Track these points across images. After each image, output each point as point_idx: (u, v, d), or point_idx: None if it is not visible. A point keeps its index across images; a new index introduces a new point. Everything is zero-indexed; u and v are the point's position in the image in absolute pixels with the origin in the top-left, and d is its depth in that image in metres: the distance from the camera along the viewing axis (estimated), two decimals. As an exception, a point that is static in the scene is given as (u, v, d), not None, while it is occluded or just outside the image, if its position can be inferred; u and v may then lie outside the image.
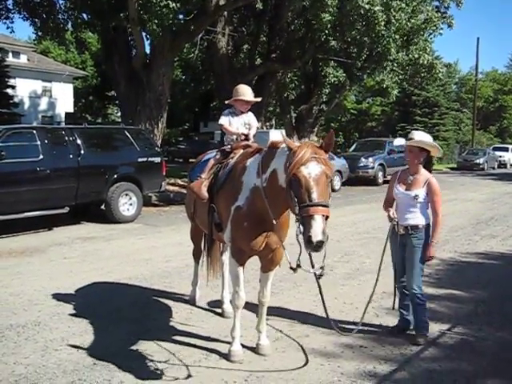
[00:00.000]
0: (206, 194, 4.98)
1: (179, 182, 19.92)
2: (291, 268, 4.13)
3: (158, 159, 13.45)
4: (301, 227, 3.67)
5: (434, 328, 5.62)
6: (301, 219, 3.67)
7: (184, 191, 18.58)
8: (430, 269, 8.08)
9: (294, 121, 29.29)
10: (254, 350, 4.93)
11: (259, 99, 5.84)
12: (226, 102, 5.62)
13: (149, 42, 18.80)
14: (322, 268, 4.08)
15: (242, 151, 5.03)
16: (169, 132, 47.49)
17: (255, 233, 4.41)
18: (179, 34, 16.95)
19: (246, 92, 5.39)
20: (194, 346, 5.06)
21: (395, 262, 5.40)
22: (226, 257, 5.93)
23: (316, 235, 3.53)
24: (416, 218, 5.14)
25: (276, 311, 6.03)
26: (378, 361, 4.77)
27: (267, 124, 43.18)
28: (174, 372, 4.51)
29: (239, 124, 5.43)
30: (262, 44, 24.90)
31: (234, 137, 5.39)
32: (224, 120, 5.42)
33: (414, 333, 5.32)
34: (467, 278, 7.74)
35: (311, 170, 3.73)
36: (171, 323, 5.68)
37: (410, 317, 5.41)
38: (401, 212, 5.24)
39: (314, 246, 3.55)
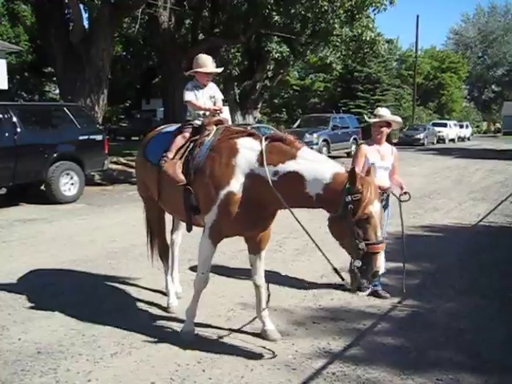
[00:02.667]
0: (182, 177, 4.56)
1: (122, 160, 19.43)
2: (335, 269, 4.19)
3: (99, 137, 13.02)
4: (360, 261, 3.86)
5: (386, 302, 5.67)
6: (365, 254, 3.84)
7: (128, 170, 18.18)
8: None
9: (237, 97, 29.02)
10: (261, 336, 4.70)
11: (221, 69, 5.46)
12: (186, 73, 5.32)
13: (87, 15, 18.09)
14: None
15: (215, 128, 4.75)
16: (110, 110, 46.25)
17: (249, 219, 4.32)
18: (118, 7, 16.35)
19: (206, 62, 5.02)
20: (145, 328, 4.88)
21: None
22: (178, 236, 5.75)
23: (381, 269, 3.95)
24: (388, 182, 5.86)
25: (229, 290, 5.93)
26: (332, 337, 4.74)
27: (211, 101, 42.86)
28: (124, 357, 4.34)
29: (205, 98, 5.04)
30: (205, 19, 24.41)
31: (201, 112, 5.01)
32: (190, 95, 4.98)
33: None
34: (415, 251, 7.80)
35: (377, 209, 3.88)
36: (119, 306, 5.46)
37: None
38: (378, 180, 5.42)
39: (375, 277, 4.04)
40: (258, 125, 22.99)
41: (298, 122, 28.37)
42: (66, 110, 12.53)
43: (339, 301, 5.72)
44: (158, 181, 4.90)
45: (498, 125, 75.90)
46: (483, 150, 32.90)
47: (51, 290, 5.97)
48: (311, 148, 4.56)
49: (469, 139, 50.12)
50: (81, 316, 5.15)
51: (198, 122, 4.95)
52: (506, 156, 27.19)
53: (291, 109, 48.82)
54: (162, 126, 5.56)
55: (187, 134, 4.88)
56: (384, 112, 5.85)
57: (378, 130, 5.80)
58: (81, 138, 12.45)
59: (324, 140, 23.40)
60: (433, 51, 66.56)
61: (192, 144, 4.75)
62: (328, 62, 25.71)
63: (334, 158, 14.55)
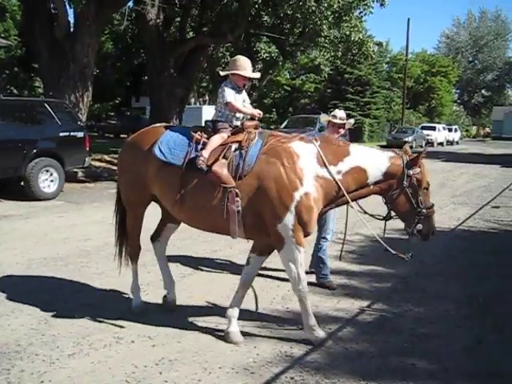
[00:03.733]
0: (232, 180, 4.40)
1: (106, 157, 19.32)
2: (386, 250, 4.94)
3: (81, 134, 12.88)
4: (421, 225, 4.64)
5: (354, 305, 5.62)
6: (425, 218, 4.62)
7: (112, 167, 18.06)
8: (353, 246, 8.14)
9: (226, 97, 28.92)
10: (223, 338, 4.64)
11: (258, 75, 5.28)
12: (222, 73, 4.92)
13: (72, 10, 17.91)
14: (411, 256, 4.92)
15: (256, 132, 4.66)
16: (99, 107, 46.06)
17: (316, 218, 4.57)
18: (104, 2, 16.21)
19: (246, 66, 4.76)
20: (106, 329, 4.81)
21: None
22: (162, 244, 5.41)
23: (435, 228, 4.77)
24: None
25: (196, 292, 5.87)
26: (295, 340, 4.69)
27: (200, 100, 42.72)
28: (82, 358, 4.27)
29: (241, 101, 4.78)
30: (194, 17, 24.31)
31: (238, 114, 4.78)
32: (231, 96, 4.66)
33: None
34: (389, 255, 7.74)
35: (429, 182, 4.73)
36: (83, 306, 5.36)
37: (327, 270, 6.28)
38: None
39: (432, 235, 4.75)
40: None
41: (286, 122, 28.36)
42: (47, 106, 12.39)
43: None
44: (181, 184, 4.56)
45: (487, 129, 76.29)
46: (470, 154, 33.02)
47: (16, 288, 5.86)
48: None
49: (457, 143, 50.35)
50: (43, 315, 5.07)
51: (237, 124, 4.76)
52: (492, 160, 27.29)
53: (281, 109, 48.80)
54: (157, 125, 5.15)
55: (225, 135, 4.64)
56: (343, 114, 6.16)
57: (336, 130, 6.02)
58: (61, 134, 12.31)
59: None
60: (423, 55, 66.73)
61: (234, 146, 4.56)
62: (317, 63, 25.63)
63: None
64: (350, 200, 4.58)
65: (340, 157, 4.53)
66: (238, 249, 7.84)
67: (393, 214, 4.81)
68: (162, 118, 20.99)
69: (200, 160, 4.47)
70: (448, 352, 4.58)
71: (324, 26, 19.71)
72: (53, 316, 5.06)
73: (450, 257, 7.90)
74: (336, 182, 4.46)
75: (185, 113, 23.05)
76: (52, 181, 11.99)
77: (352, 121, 6.29)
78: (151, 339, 4.65)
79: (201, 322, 5.05)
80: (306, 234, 4.54)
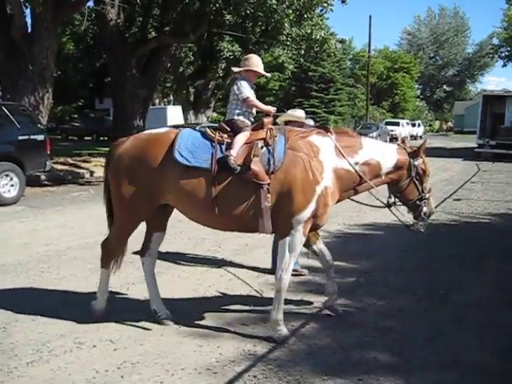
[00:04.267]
0: (266, 176, 4.44)
1: (70, 160, 19.02)
2: (406, 226, 5.41)
3: (41, 137, 12.66)
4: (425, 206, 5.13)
5: (318, 301, 5.64)
6: (427, 200, 5.12)
7: (76, 170, 17.82)
8: (317, 242, 8.17)
9: (192, 96, 28.81)
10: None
11: (269, 74, 5.44)
12: (236, 69, 5.05)
13: (29, 11, 17.56)
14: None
15: (274, 128, 4.76)
16: (62, 109, 45.36)
17: (330, 210, 4.79)
18: (62, 2, 15.95)
19: (259, 63, 4.99)
20: (67, 334, 4.73)
21: None
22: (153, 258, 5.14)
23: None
24: None
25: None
26: (258, 339, 4.68)
27: (165, 100, 42.39)
28: (41, 365, 4.18)
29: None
30: (156, 17, 24.14)
31: (255, 111, 4.94)
32: (250, 92, 4.81)
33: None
34: (353, 250, 7.88)
35: None
36: (43, 312, 5.23)
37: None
38: None
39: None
40: (209, 124, 22.83)
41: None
42: (5, 110, 12.12)
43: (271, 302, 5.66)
44: (212, 187, 4.47)
45: (450, 124, 77.69)
46: (433, 149, 33.48)
47: (-27, 296, 5.72)
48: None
49: (421, 138, 51.03)
50: (2, 324, 4.95)
51: (250, 121, 4.85)
52: (455, 154, 27.80)
53: (247, 108, 48.74)
54: (156, 130, 4.98)
55: (248, 133, 4.67)
56: (301, 113, 6.31)
57: (294, 125, 5.99)
58: (20, 138, 12.08)
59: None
60: (386, 51, 67.70)
61: (260, 143, 4.59)
62: (280, 61, 25.72)
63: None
64: (373, 186, 4.93)
65: (355, 149, 4.81)
66: (203, 248, 7.85)
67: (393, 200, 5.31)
68: (125, 119, 20.86)
69: (231, 160, 4.44)
70: (409, 344, 4.64)
71: (286, 24, 19.82)
72: (12, 324, 4.95)
73: (412, 250, 8.00)
74: (357, 173, 4.76)
75: (149, 113, 22.88)
76: (12, 185, 11.76)
77: (311, 122, 6.44)
78: (113, 343, 4.59)
79: (164, 323, 5.00)
80: (317, 227, 4.84)
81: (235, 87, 4.83)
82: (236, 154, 4.49)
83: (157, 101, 39.68)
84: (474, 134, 31.38)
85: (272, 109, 4.95)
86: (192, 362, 4.23)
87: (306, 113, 6.72)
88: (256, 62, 4.97)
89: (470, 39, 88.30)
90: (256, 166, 4.42)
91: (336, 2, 21.16)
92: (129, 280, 6.21)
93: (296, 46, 23.81)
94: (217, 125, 4.88)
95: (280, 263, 4.60)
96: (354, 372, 4.12)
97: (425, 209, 5.12)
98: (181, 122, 26.14)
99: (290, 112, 6.30)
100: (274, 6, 17.57)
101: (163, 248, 7.65)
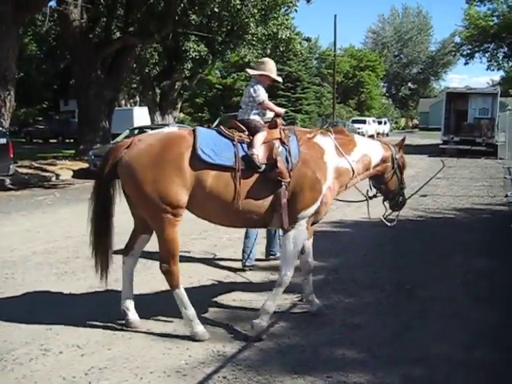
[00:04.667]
0: (288, 174, 4.68)
1: (35, 164, 18.71)
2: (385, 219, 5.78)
3: (3, 140, 12.48)
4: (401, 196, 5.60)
5: (287, 300, 5.66)
6: (402, 191, 5.56)
7: (41, 173, 17.53)
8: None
9: (158, 97, 28.60)
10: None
11: (281, 79, 5.42)
12: (251, 72, 5.07)
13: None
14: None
15: (285, 128, 4.99)
16: (26, 111, 44.57)
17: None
18: (22, 3, 15.66)
19: (273, 68, 5.11)
20: (32, 342, 4.64)
21: None
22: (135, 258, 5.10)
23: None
24: None
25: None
26: (228, 339, 4.68)
27: (131, 101, 41.98)
28: (5, 374, 4.09)
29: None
30: (120, 17, 23.88)
31: (270, 114, 5.15)
32: (265, 95, 4.97)
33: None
34: (321, 248, 7.86)
35: None
36: (8, 319, 5.13)
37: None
38: None
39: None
40: (177, 125, 22.73)
41: (218, 120, 28.29)
42: (-35, 113, 11.88)
43: (241, 302, 5.67)
44: (237, 185, 4.52)
45: (415, 121, 78.91)
46: (399, 146, 33.90)
47: None
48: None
49: (387, 135, 51.70)
50: (-36, 332, 4.84)
51: (272, 123, 4.97)
52: (420, 151, 28.20)
53: (214, 108, 48.68)
54: (164, 130, 5.08)
55: (265, 133, 4.82)
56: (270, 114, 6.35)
57: None
58: (-18, 141, 11.85)
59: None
60: (351, 50, 68.31)
61: (277, 143, 4.76)
62: (246, 60, 25.72)
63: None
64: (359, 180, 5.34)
65: (351, 147, 5.15)
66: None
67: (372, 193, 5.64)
68: (90, 120, 20.59)
69: (256, 158, 4.58)
70: (377, 340, 4.69)
71: (251, 24, 19.88)
72: (-25, 332, 4.84)
73: (379, 246, 8.11)
74: (353, 170, 5.08)
75: (115, 115, 22.64)
76: (-26, 190, 11.51)
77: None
78: (80, 348, 4.53)
79: (133, 326, 4.95)
80: (316, 221, 5.18)
81: (251, 90, 4.94)
82: (258, 151, 4.67)
83: (123, 102, 39.30)
84: (438, 130, 31.88)
85: (283, 110, 5.20)
86: (161, 365, 4.20)
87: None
88: (271, 68, 5.09)
89: (432, 38, 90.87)
90: (281, 164, 4.64)
91: (301, 1, 21.38)
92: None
93: (262, 46, 23.86)
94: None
95: (284, 258, 4.87)
96: (323, 369, 4.15)
97: (401, 198, 5.59)
98: (147, 123, 25.89)
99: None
100: (239, 6, 17.56)
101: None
